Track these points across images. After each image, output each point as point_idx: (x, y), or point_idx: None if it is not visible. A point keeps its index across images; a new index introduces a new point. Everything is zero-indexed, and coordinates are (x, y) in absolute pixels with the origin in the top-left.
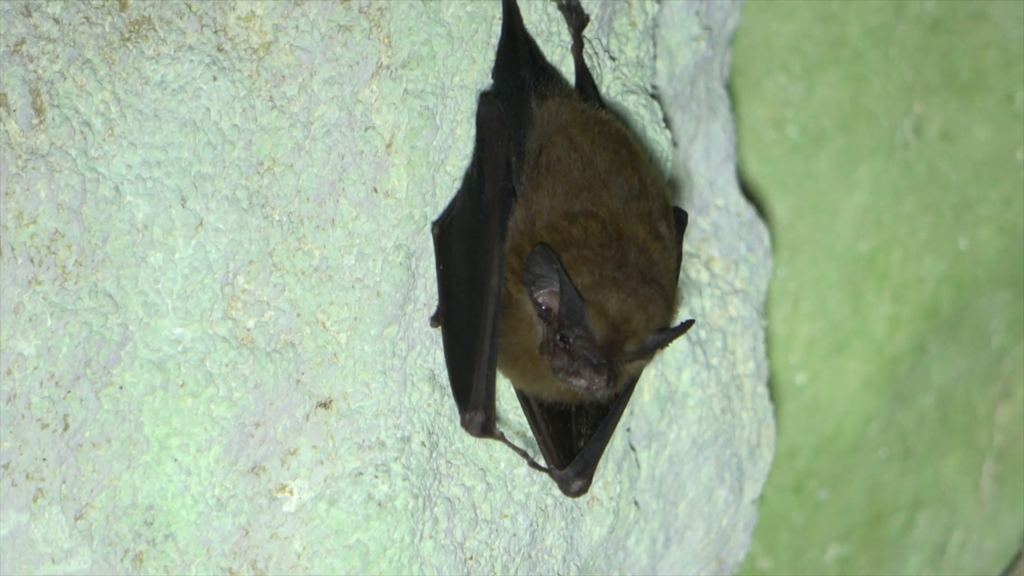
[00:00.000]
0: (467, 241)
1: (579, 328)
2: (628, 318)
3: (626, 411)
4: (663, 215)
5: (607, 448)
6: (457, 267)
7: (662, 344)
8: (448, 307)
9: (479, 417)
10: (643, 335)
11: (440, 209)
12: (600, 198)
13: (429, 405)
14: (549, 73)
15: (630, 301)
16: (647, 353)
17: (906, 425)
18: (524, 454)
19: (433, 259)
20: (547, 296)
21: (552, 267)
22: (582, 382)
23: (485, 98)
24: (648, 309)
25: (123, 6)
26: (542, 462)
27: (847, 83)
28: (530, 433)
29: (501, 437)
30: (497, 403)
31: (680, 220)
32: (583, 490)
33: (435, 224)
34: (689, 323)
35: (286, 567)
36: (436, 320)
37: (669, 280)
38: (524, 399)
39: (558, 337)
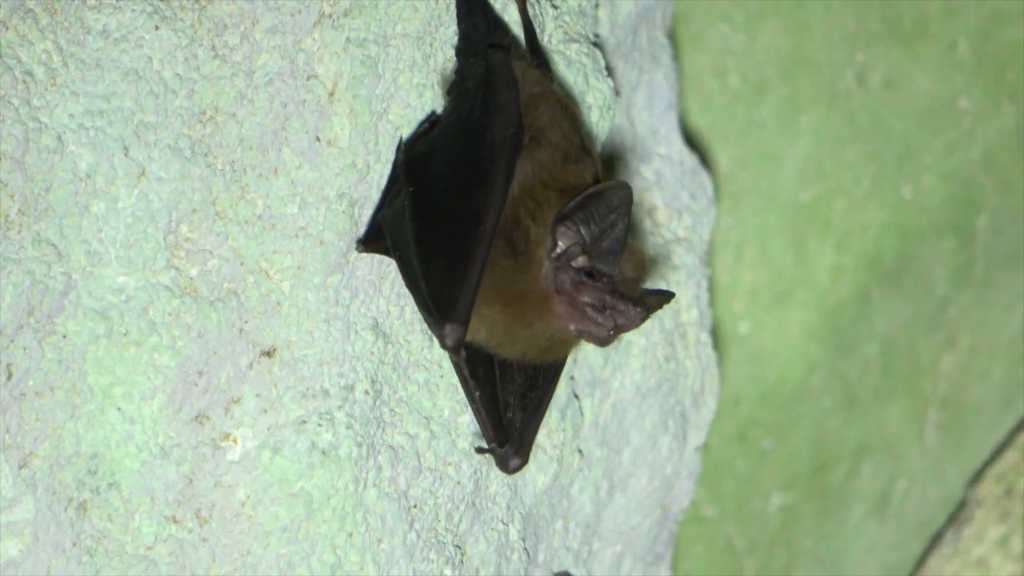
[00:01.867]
0: (460, 173)
1: (608, 266)
2: (645, 262)
3: (568, 361)
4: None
5: (541, 425)
6: (440, 195)
7: (655, 309)
8: (423, 229)
9: (459, 331)
10: (642, 286)
11: (383, 158)
12: (581, 172)
13: (372, 353)
14: (502, 29)
15: (642, 248)
16: (650, 310)
17: (850, 374)
18: (474, 388)
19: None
20: (570, 236)
21: (627, 198)
22: (609, 319)
23: (494, 47)
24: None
25: None
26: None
27: (789, 32)
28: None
29: (464, 360)
30: None
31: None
32: (519, 467)
33: (400, 149)
34: (670, 294)
35: (230, 515)
36: (365, 245)
37: None
38: (458, 364)
39: (584, 273)
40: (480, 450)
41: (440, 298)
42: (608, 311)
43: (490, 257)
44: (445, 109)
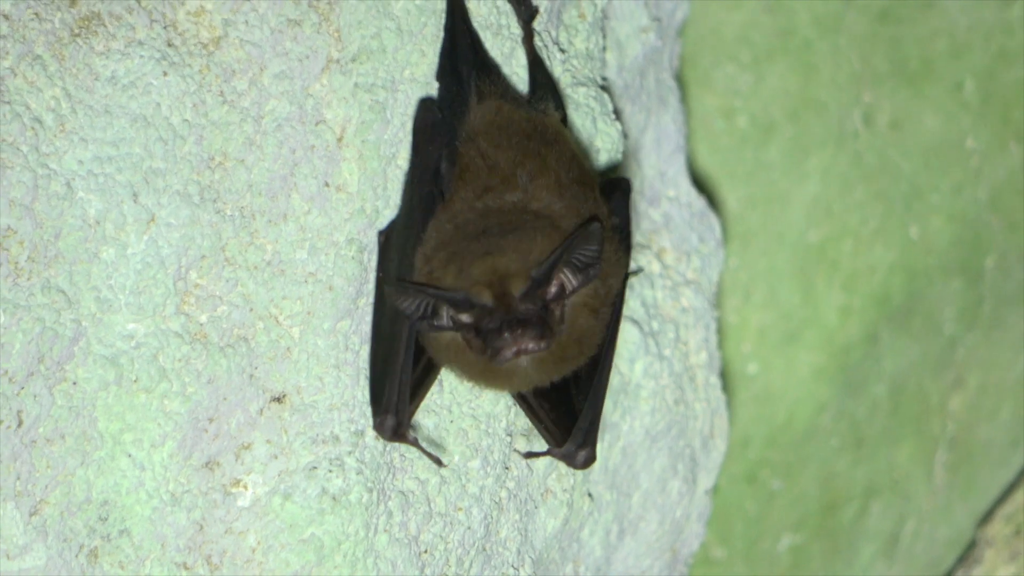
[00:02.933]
0: (398, 248)
1: (473, 310)
2: (494, 269)
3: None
4: (579, 182)
5: (603, 407)
6: (388, 275)
7: (561, 261)
8: (376, 315)
9: (390, 420)
10: (524, 274)
11: (392, 203)
12: (502, 196)
13: None
14: (490, 70)
15: (488, 259)
16: (548, 281)
17: (858, 414)
18: (438, 461)
19: None
20: (444, 317)
21: (417, 295)
22: (512, 349)
23: (423, 104)
24: (519, 249)
25: (72, 2)
26: (535, 446)
27: (796, 73)
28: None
29: (414, 442)
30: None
31: (623, 188)
32: (591, 459)
33: (381, 232)
34: (593, 224)
35: (241, 562)
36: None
37: (570, 218)
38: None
39: (473, 335)
40: (531, 454)
41: (375, 390)
42: (488, 350)
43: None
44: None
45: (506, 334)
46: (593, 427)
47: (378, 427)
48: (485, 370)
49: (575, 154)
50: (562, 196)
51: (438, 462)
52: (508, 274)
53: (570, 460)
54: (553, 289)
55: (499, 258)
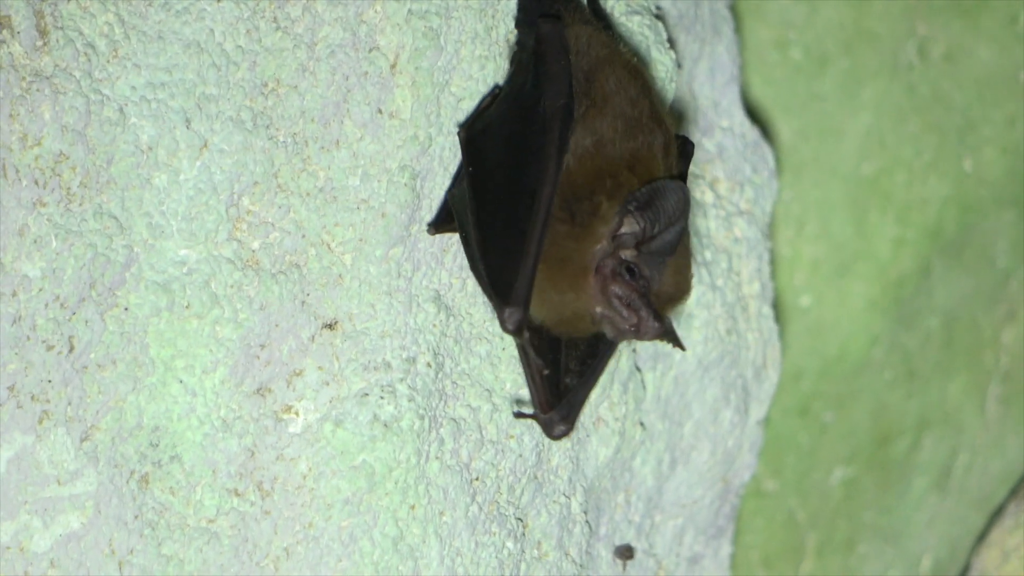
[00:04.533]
0: (514, 149)
1: (650, 269)
2: (686, 291)
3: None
4: (676, 160)
5: (603, 377)
6: (496, 172)
7: (670, 335)
8: (482, 209)
9: (518, 314)
10: (679, 309)
11: (445, 130)
12: (650, 144)
13: (435, 326)
14: None
15: (692, 277)
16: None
17: (911, 347)
18: (541, 368)
19: (438, 179)
20: (637, 224)
21: (682, 206)
22: (632, 318)
23: (545, 16)
24: (691, 285)
25: None
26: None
27: (850, 4)
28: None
29: (527, 342)
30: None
31: (686, 151)
32: (566, 433)
33: (461, 128)
34: (682, 347)
35: (292, 488)
36: (436, 227)
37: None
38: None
39: (625, 266)
40: (520, 415)
41: (499, 281)
42: (631, 310)
43: (551, 222)
44: (504, 82)
45: (647, 311)
46: (579, 404)
47: (504, 318)
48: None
49: (671, 115)
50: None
51: (540, 370)
52: (681, 301)
53: (548, 428)
54: None
55: (691, 286)
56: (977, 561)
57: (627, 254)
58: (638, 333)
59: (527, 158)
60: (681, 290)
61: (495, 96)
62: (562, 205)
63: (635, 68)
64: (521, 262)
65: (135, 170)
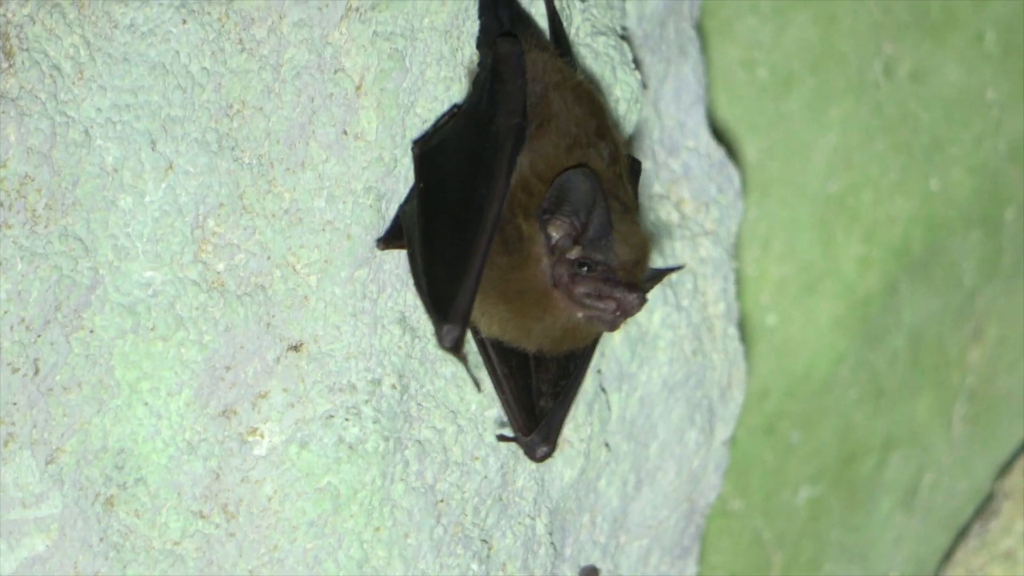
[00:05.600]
0: (465, 166)
1: (600, 253)
2: (643, 244)
3: (594, 355)
4: (627, 179)
5: (570, 412)
6: (447, 189)
7: (656, 280)
8: (429, 224)
9: (456, 331)
10: (646, 270)
11: (411, 151)
12: (590, 156)
13: (400, 347)
14: (525, 21)
15: (640, 231)
16: (649, 285)
17: (877, 366)
18: (478, 384)
19: (403, 200)
20: (563, 226)
21: (591, 185)
22: (611, 304)
23: (505, 35)
24: (649, 240)
25: None
26: (507, 431)
27: (817, 23)
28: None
29: (465, 359)
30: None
31: (634, 169)
32: (548, 455)
33: (415, 143)
34: (678, 267)
35: (257, 511)
36: (385, 243)
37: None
38: (487, 355)
39: (577, 264)
40: (503, 438)
41: (439, 297)
42: (607, 298)
43: (489, 255)
44: (463, 101)
45: (620, 290)
46: (559, 425)
47: (442, 335)
48: (537, 302)
49: (624, 140)
50: (627, 186)
51: (478, 386)
52: (645, 259)
53: (531, 451)
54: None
55: (646, 239)
56: None
57: (572, 254)
58: (626, 312)
59: (478, 175)
60: (638, 248)
61: (453, 114)
62: (500, 234)
63: (586, 91)
64: (463, 279)
65: (100, 192)
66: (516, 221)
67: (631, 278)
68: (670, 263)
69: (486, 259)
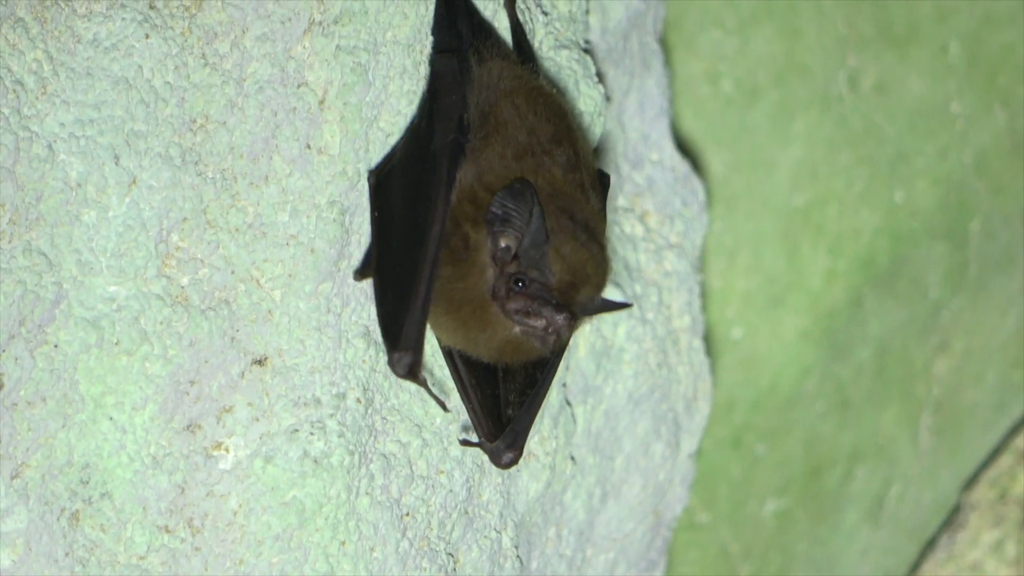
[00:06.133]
0: (409, 189)
1: (536, 270)
2: (583, 265)
3: (559, 371)
4: (592, 187)
5: (538, 413)
6: (396, 214)
7: (602, 311)
8: (382, 253)
9: (407, 358)
10: (592, 288)
11: (374, 164)
12: (543, 163)
13: (364, 361)
14: (487, 31)
15: (584, 250)
16: (591, 311)
17: (843, 378)
18: (443, 405)
19: (367, 215)
20: (507, 238)
21: (526, 198)
22: (540, 322)
23: (441, 52)
24: (597, 263)
25: None
26: (472, 436)
27: (781, 37)
28: (456, 395)
29: (424, 383)
30: (428, 360)
31: (603, 182)
32: (514, 461)
33: (371, 173)
34: (627, 304)
35: (222, 525)
36: (360, 273)
37: (605, 243)
38: (452, 363)
39: (513, 280)
40: (466, 442)
41: (390, 325)
42: (536, 317)
43: (437, 268)
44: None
45: (549, 310)
46: (525, 431)
47: (394, 363)
48: (481, 314)
49: (590, 146)
50: (589, 197)
51: (443, 406)
52: (585, 279)
53: (496, 457)
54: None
55: (589, 259)
56: None
57: (510, 268)
58: (556, 334)
59: (421, 198)
60: (576, 268)
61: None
62: (447, 246)
63: (544, 95)
64: (410, 306)
65: (64, 207)
66: (462, 230)
67: (565, 298)
68: (635, 276)
69: (432, 284)
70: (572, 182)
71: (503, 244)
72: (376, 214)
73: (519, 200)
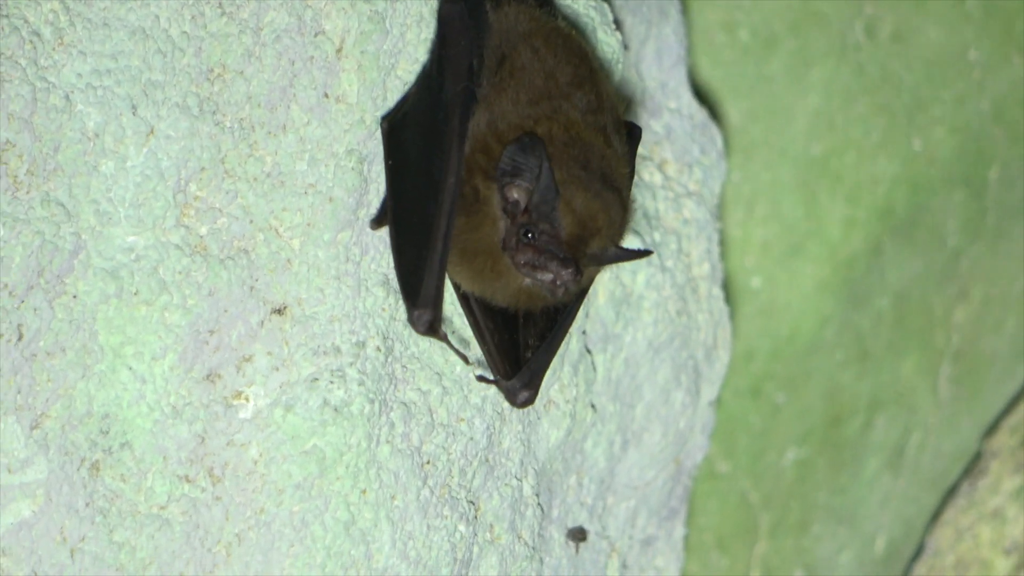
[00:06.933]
0: (422, 139)
1: (546, 222)
2: (594, 216)
3: (579, 317)
4: (616, 130)
5: (555, 359)
6: (410, 164)
7: (618, 260)
8: (398, 204)
9: (427, 315)
10: (604, 238)
11: (390, 109)
12: (560, 107)
13: (384, 310)
14: None
15: (596, 201)
16: (604, 262)
17: (863, 327)
18: (465, 358)
19: (383, 159)
20: (516, 190)
21: (536, 152)
22: (547, 275)
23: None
24: (610, 212)
25: None
26: (489, 374)
27: None
28: (474, 342)
29: (445, 338)
30: (447, 307)
31: (634, 135)
32: (530, 401)
33: (384, 119)
34: (647, 252)
35: (243, 474)
36: (377, 223)
37: (625, 189)
38: (469, 308)
39: (523, 232)
40: (482, 379)
41: (409, 281)
42: (544, 271)
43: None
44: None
45: (556, 264)
46: (541, 371)
47: (414, 321)
48: (494, 264)
49: (614, 89)
50: (611, 146)
51: (465, 359)
52: (597, 230)
53: (511, 396)
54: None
55: (601, 210)
56: (931, 540)
57: (521, 220)
58: (563, 288)
59: (433, 149)
60: (585, 219)
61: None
62: (461, 195)
63: (563, 37)
64: (428, 261)
65: (82, 157)
66: (473, 182)
67: (573, 251)
68: (653, 224)
69: (449, 238)
70: (592, 125)
71: (512, 197)
72: (390, 162)
73: (528, 154)
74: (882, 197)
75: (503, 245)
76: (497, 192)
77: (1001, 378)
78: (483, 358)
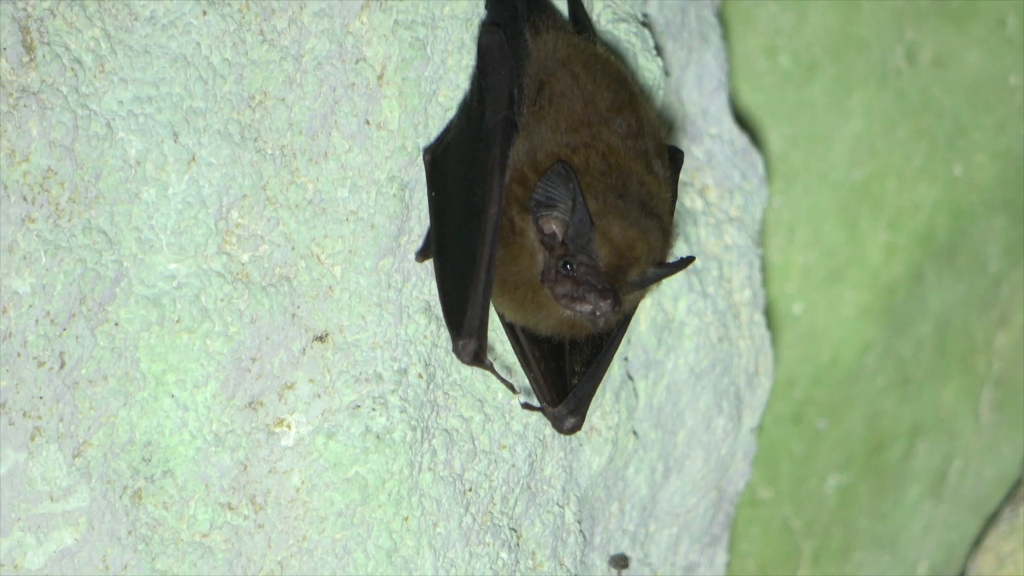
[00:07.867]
0: (465, 169)
1: (584, 254)
2: (632, 246)
3: (622, 343)
4: (658, 154)
5: (601, 386)
6: (452, 195)
7: (661, 277)
8: (441, 235)
9: (472, 345)
10: (644, 265)
11: (430, 141)
12: (600, 134)
13: (425, 337)
14: (541, 4)
15: (633, 230)
16: (646, 284)
17: (904, 353)
18: (511, 387)
19: (426, 191)
20: (552, 222)
21: (568, 185)
22: (587, 307)
23: (487, 27)
24: (650, 239)
25: None
26: (534, 401)
27: (838, 10)
28: (517, 369)
29: (491, 367)
30: (490, 334)
31: (676, 159)
32: (576, 427)
33: (427, 151)
34: (689, 259)
35: (285, 501)
36: (422, 255)
37: (666, 215)
38: (514, 336)
39: (561, 263)
40: (527, 406)
41: (453, 310)
42: (583, 302)
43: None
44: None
45: (594, 295)
46: (587, 398)
47: (459, 351)
48: (534, 295)
49: (656, 114)
50: (652, 171)
51: (512, 389)
52: (635, 259)
53: (558, 423)
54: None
55: (639, 238)
56: (973, 566)
57: (559, 251)
58: (603, 319)
59: (476, 179)
60: (623, 249)
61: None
62: (502, 227)
63: (603, 62)
64: (472, 291)
65: (123, 185)
66: (510, 214)
67: (612, 281)
68: (695, 250)
69: (492, 268)
70: (632, 150)
71: (549, 230)
72: (433, 194)
73: (561, 185)
74: (923, 223)
75: (542, 277)
76: (533, 224)
77: None
78: (527, 385)
